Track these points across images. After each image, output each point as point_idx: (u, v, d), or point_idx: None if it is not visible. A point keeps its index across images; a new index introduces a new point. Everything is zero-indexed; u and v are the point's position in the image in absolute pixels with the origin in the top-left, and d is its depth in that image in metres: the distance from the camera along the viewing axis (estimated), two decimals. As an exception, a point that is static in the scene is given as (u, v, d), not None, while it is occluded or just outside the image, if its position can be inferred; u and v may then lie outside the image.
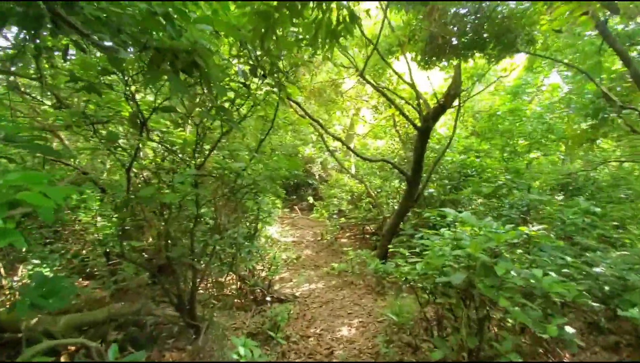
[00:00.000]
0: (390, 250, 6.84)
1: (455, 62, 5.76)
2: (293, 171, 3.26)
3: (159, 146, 3.16)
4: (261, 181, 3.20)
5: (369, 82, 5.26)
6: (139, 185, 2.98)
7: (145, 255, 4.48)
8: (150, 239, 4.60)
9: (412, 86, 5.79)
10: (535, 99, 9.48)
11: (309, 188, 16.51)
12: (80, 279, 5.45)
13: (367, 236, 10.75)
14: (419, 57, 5.91)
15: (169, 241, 3.06)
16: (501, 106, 7.52)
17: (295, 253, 9.35)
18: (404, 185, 7.38)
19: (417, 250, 4.22)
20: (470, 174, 7.01)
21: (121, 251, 2.79)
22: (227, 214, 3.19)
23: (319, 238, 10.73)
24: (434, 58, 5.83)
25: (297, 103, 5.86)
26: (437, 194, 6.75)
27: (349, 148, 6.38)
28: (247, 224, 4.56)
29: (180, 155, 3.03)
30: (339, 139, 6.45)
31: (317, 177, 14.73)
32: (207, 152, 3.10)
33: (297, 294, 6.16)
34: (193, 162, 2.86)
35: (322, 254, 9.50)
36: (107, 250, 4.62)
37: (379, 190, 9.11)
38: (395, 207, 7.40)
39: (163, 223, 2.94)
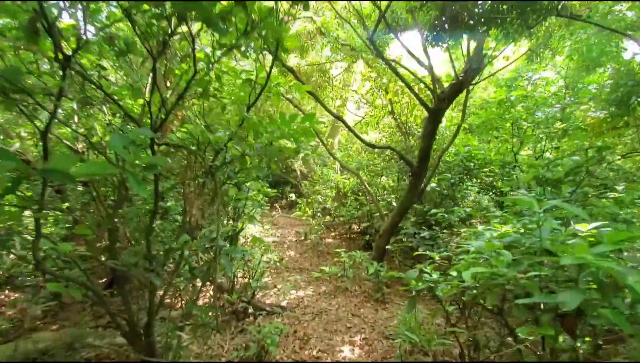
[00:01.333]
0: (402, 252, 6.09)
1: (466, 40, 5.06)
2: (301, 142, 2.35)
3: (103, 104, 2.19)
4: (254, 159, 2.30)
5: (376, 50, 4.44)
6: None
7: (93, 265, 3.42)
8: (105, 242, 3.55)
9: (422, 60, 5.03)
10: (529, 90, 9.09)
11: (290, 185, 15.57)
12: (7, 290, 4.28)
13: (354, 235, 9.99)
14: (427, 32, 5.15)
15: (115, 244, 2.11)
16: (497, 97, 6.96)
17: (277, 255, 8.41)
18: (404, 179, 6.65)
19: (437, 251, 3.45)
20: (472, 167, 6.37)
21: (35, 258, 1.79)
22: (201, 207, 2.25)
23: (303, 238, 9.84)
24: (445, 33, 5.09)
25: (292, 70, 4.95)
26: (440, 188, 6.06)
27: (352, 131, 5.50)
28: (229, 220, 3.62)
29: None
30: (339, 118, 5.58)
31: (298, 173, 13.80)
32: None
33: (283, 304, 5.24)
34: (146, 120, 1.92)
35: (306, 256, 8.61)
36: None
37: (370, 186, 8.34)
38: (394, 203, 6.65)
39: (104, 216, 1.98)
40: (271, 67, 2.67)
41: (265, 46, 2.77)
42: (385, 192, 7.81)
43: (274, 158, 2.30)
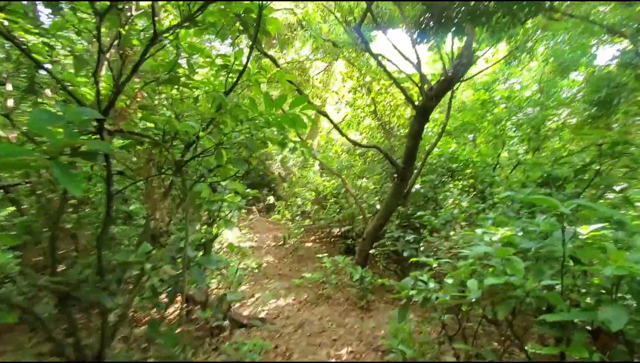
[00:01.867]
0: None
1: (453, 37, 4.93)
2: (292, 130, 2.03)
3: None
4: (230, 152, 1.94)
5: (364, 43, 4.19)
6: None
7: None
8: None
9: (409, 57, 4.86)
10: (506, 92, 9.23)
11: (268, 187, 15.10)
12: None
13: (335, 239, 9.72)
14: (413, 29, 4.98)
15: (54, 255, 1.70)
16: (480, 98, 6.95)
17: (255, 260, 7.98)
18: (388, 181, 6.45)
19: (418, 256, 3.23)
20: (456, 169, 6.28)
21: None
22: (168, 210, 1.89)
23: (281, 243, 9.45)
24: (431, 30, 4.94)
25: (273, 59, 4.60)
26: (425, 190, 5.91)
27: (336, 126, 5.23)
28: (202, 226, 3.22)
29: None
30: (322, 113, 5.28)
31: (276, 175, 13.38)
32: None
33: (263, 315, 4.86)
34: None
35: (286, 261, 8.24)
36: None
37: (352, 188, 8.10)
38: (378, 206, 6.43)
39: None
40: (251, 50, 2.34)
41: (243, 29, 2.44)
42: (367, 194, 7.59)
43: (255, 152, 1.96)
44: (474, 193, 6.65)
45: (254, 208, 11.99)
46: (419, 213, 4.98)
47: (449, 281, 2.86)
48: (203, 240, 2.67)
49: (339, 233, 9.88)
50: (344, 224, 9.30)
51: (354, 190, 8.82)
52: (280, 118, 1.81)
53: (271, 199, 10.60)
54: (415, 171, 5.31)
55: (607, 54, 15.63)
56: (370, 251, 5.75)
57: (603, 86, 5.33)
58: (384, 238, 6.01)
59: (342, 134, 5.20)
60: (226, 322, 4.20)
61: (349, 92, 7.34)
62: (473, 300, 2.04)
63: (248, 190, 5.20)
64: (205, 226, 4.50)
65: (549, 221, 2.39)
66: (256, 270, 6.87)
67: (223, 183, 2.41)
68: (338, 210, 9.30)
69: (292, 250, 8.83)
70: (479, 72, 6.61)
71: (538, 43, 7.16)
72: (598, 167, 2.22)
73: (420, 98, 4.42)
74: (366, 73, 6.58)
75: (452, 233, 4.46)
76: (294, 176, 10.58)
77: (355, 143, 4.86)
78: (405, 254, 5.44)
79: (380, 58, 4.59)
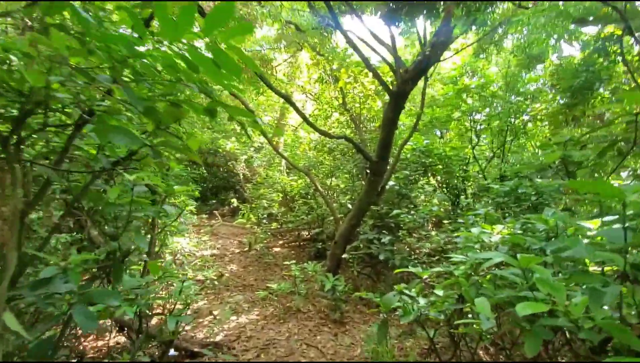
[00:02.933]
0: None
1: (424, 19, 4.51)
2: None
3: None
4: (121, 121, 1.27)
5: (334, 17, 3.61)
6: None
7: None
8: None
9: (381, 38, 4.35)
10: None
11: (232, 191, 14.17)
12: None
13: (305, 243, 9.10)
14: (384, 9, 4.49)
15: None
16: (453, 90, 6.67)
17: (215, 270, 7.17)
18: (360, 178, 5.95)
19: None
20: (429, 164, 5.90)
21: None
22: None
23: (246, 249, 8.68)
24: (402, 11, 4.47)
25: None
26: (399, 187, 5.46)
27: (304, 116, 4.62)
28: (108, 238, 2.47)
29: None
30: (286, 98, 4.64)
31: (241, 177, 12.54)
32: None
33: (219, 338, 4.14)
34: None
35: (251, 269, 7.50)
36: None
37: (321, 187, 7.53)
38: (350, 206, 5.89)
39: None
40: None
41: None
42: (337, 193, 7.05)
43: (166, 123, 1.28)
44: (447, 189, 6.31)
45: (216, 212, 11.09)
46: (395, 212, 4.50)
47: (440, 292, 2.34)
48: (113, 258, 1.95)
49: (309, 237, 9.29)
50: (314, 226, 8.72)
51: (324, 190, 8.26)
52: (192, 55, 1.05)
53: (235, 201, 9.77)
54: (389, 166, 4.84)
55: (571, 49, 16.28)
56: (343, 256, 5.19)
57: (581, 72, 5.19)
58: (358, 241, 5.48)
59: (309, 124, 4.61)
60: (172, 352, 3.46)
61: (315, 82, 6.75)
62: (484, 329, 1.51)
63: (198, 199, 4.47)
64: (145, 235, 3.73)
65: (558, 216, 1.93)
66: (216, 282, 6.08)
67: (130, 177, 1.70)
68: (307, 212, 8.71)
69: (258, 256, 8.11)
70: (447, 58, 6.29)
71: (505, 34, 6.98)
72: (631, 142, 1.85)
73: (395, 82, 3.93)
74: (333, 60, 6.05)
75: (433, 233, 4.01)
76: (259, 176, 9.84)
77: (324, 133, 4.28)
78: (381, 257, 4.96)
79: (350, 35, 4.05)
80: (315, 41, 5.87)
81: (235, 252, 8.64)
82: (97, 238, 2.60)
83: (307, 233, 9.69)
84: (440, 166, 6.06)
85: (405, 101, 4.09)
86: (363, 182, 5.88)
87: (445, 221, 4.93)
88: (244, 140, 11.16)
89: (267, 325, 4.53)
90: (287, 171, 10.35)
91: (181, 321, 3.36)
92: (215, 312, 5.02)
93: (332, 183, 7.92)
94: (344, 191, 7.00)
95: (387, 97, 4.90)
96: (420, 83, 4.96)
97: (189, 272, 5.32)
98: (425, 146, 5.57)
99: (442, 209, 5.16)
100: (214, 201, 14.97)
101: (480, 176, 5.83)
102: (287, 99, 4.75)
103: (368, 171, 4.76)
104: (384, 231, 5.01)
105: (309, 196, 9.33)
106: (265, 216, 9.58)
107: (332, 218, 7.47)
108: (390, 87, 4.03)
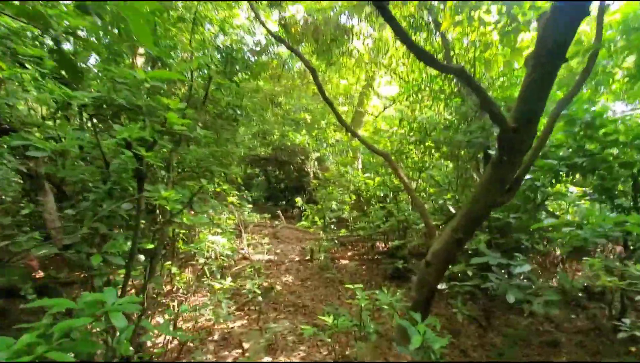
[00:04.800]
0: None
1: None
2: None
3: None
4: None
5: None
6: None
7: None
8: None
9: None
10: None
11: (303, 191, 13.05)
12: None
13: (379, 257, 7.26)
14: None
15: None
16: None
17: (266, 280, 5.85)
18: (470, 167, 4.01)
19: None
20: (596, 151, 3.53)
21: None
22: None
23: (308, 257, 7.23)
24: None
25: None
26: (542, 183, 3.31)
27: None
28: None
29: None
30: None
31: (311, 175, 11.28)
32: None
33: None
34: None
35: (309, 284, 5.99)
36: None
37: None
38: (452, 210, 3.93)
39: None
40: None
41: None
42: (432, 190, 5.08)
43: None
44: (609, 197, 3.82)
45: (279, 212, 9.94)
46: (547, 222, 2.44)
47: None
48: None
49: (385, 249, 7.42)
50: (392, 237, 6.84)
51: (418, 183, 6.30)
52: None
53: (300, 201, 8.46)
54: (534, 143, 2.78)
55: None
56: (439, 286, 3.29)
57: None
58: (462, 263, 3.50)
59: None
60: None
61: (411, 27, 4.86)
62: None
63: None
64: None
65: None
66: (261, 296, 4.68)
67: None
68: (384, 218, 6.87)
69: (320, 268, 6.56)
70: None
71: None
72: None
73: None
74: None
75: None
76: (328, 172, 8.35)
77: (435, 63, 2.32)
78: (510, 299, 2.94)
79: None
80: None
81: (295, 260, 7.24)
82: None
83: (383, 245, 7.83)
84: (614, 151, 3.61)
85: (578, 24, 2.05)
86: (475, 175, 3.85)
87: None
88: (315, 133, 9.85)
89: (312, 383, 2.89)
90: (363, 168, 8.66)
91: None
92: (246, 344, 3.58)
93: (420, 183, 5.94)
94: (444, 187, 4.96)
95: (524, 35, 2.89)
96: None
97: (222, 282, 4.02)
98: (595, 113, 3.23)
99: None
100: (284, 201, 14.11)
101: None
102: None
103: (494, 150, 2.81)
104: (516, 254, 2.95)
105: (388, 200, 7.48)
106: (333, 220, 8.03)
107: (418, 226, 5.52)
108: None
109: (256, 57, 5.81)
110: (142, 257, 2.76)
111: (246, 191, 10.64)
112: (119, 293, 2.32)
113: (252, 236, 8.09)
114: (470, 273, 3.41)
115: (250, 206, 9.44)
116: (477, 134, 3.03)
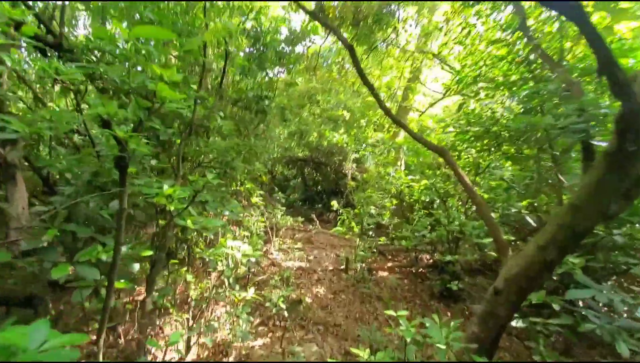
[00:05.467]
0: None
1: None
2: None
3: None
4: None
5: None
6: None
7: None
8: None
9: None
10: None
11: (340, 195, 12.39)
12: None
13: (425, 270, 6.38)
14: None
15: None
16: None
17: (296, 290, 5.28)
18: (564, 159, 3.17)
19: None
20: None
21: None
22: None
23: (342, 267, 6.54)
24: None
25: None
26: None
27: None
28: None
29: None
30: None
31: (348, 177, 10.59)
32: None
33: None
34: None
35: (343, 298, 5.31)
36: None
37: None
38: (532, 222, 3.05)
39: None
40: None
41: None
42: (497, 193, 4.19)
43: None
44: None
45: (313, 215, 9.36)
46: None
47: None
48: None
49: (431, 262, 6.52)
50: (442, 250, 5.94)
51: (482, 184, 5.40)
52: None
53: (335, 204, 7.80)
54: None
55: None
56: (513, 323, 2.47)
57: None
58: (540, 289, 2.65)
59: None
60: None
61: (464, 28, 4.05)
62: None
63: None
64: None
65: None
66: (286, 312, 4.09)
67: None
68: (431, 226, 6.02)
69: (355, 280, 5.85)
70: None
71: None
72: None
73: None
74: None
75: None
76: (367, 173, 7.62)
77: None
78: (624, 351, 2.08)
79: None
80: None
81: (328, 269, 6.59)
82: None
83: (428, 257, 6.92)
84: None
85: None
86: (562, 177, 2.97)
87: None
88: (354, 133, 9.15)
89: None
90: (406, 171, 7.83)
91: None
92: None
93: (486, 177, 5.03)
94: (510, 193, 4.04)
95: None
96: None
97: (242, 293, 3.49)
98: None
99: None
100: (320, 204, 13.52)
101: None
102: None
103: (588, 147, 1.97)
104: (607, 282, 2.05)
105: (435, 205, 6.59)
106: (371, 226, 7.27)
107: (473, 238, 4.61)
108: None
109: (291, 47, 5.29)
110: (136, 266, 2.26)
111: (280, 193, 10.23)
112: (105, 308, 1.83)
113: (284, 241, 7.58)
114: (556, 306, 2.54)
115: (284, 208, 9.02)
116: (574, 118, 2.20)
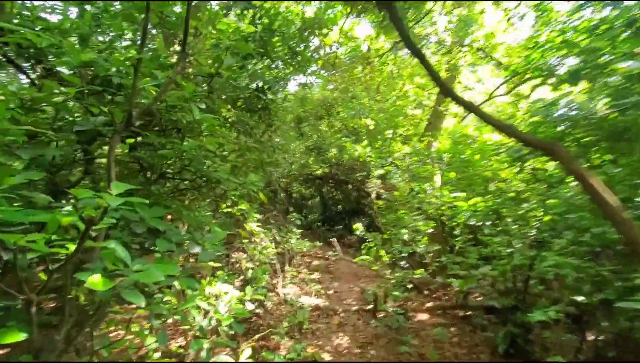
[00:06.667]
0: None
1: None
2: None
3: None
4: None
5: None
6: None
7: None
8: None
9: None
10: None
11: (363, 215, 11.15)
12: None
13: (474, 312, 4.97)
14: None
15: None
16: None
17: (310, 341, 4.05)
18: None
19: None
20: None
21: None
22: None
23: (369, 306, 5.25)
24: None
25: None
26: None
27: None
28: None
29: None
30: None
31: (373, 196, 9.36)
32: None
33: None
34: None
35: (372, 355, 3.99)
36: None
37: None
38: None
39: None
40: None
41: None
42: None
43: None
44: None
45: (333, 240, 8.13)
46: None
47: None
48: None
49: (480, 302, 5.10)
50: (500, 288, 4.57)
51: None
52: None
53: (360, 227, 6.56)
54: None
55: None
56: None
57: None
58: None
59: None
60: None
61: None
62: None
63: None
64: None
65: None
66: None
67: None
68: (482, 256, 4.68)
69: (387, 326, 4.53)
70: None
71: None
72: None
73: None
74: None
75: None
76: (399, 191, 6.39)
77: None
78: None
79: None
80: None
81: (352, 309, 5.30)
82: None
83: (478, 295, 5.51)
84: None
85: None
86: None
87: None
88: (379, 145, 8.01)
89: None
90: (446, 186, 6.53)
91: None
92: None
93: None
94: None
95: None
96: None
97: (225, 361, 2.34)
98: None
99: None
100: (340, 226, 12.26)
101: None
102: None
103: None
104: None
105: (486, 230, 5.25)
106: (404, 254, 5.96)
107: (550, 276, 3.28)
108: None
109: (307, 31, 4.33)
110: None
111: (294, 214, 9.13)
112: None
113: (298, 271, 6.39)
114: None
115: (300, 230, 7.88)
116: None
